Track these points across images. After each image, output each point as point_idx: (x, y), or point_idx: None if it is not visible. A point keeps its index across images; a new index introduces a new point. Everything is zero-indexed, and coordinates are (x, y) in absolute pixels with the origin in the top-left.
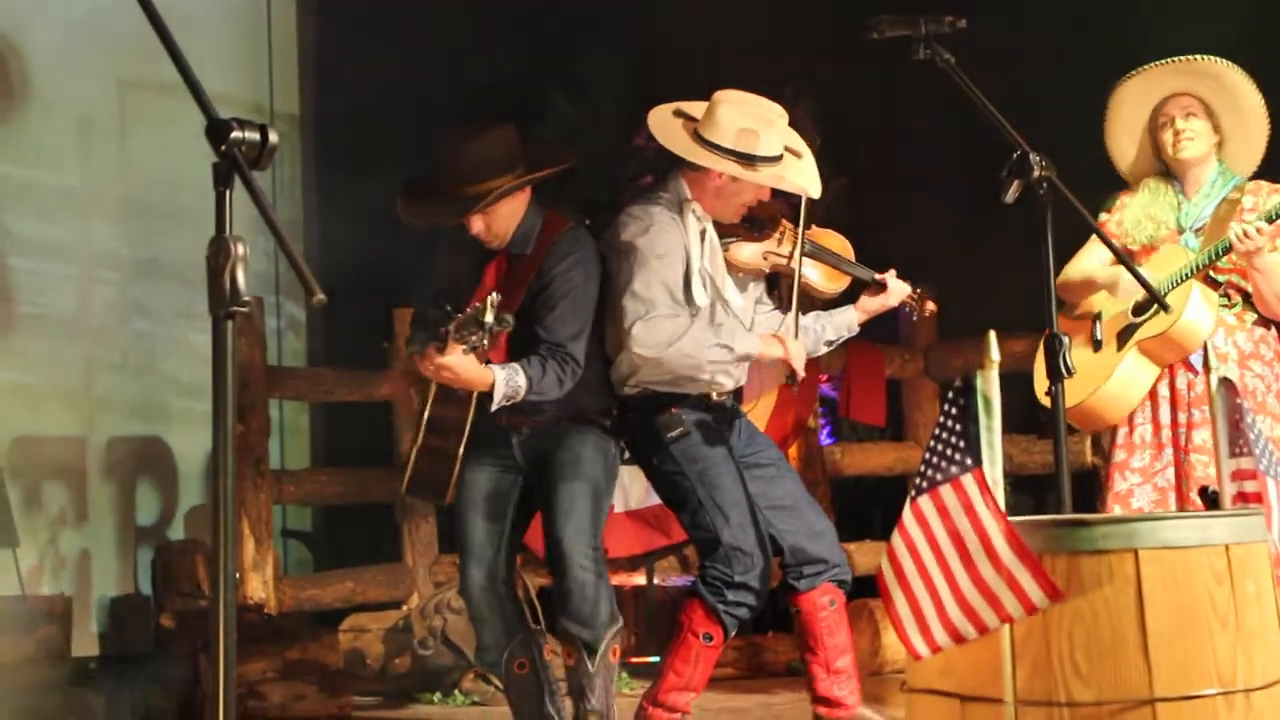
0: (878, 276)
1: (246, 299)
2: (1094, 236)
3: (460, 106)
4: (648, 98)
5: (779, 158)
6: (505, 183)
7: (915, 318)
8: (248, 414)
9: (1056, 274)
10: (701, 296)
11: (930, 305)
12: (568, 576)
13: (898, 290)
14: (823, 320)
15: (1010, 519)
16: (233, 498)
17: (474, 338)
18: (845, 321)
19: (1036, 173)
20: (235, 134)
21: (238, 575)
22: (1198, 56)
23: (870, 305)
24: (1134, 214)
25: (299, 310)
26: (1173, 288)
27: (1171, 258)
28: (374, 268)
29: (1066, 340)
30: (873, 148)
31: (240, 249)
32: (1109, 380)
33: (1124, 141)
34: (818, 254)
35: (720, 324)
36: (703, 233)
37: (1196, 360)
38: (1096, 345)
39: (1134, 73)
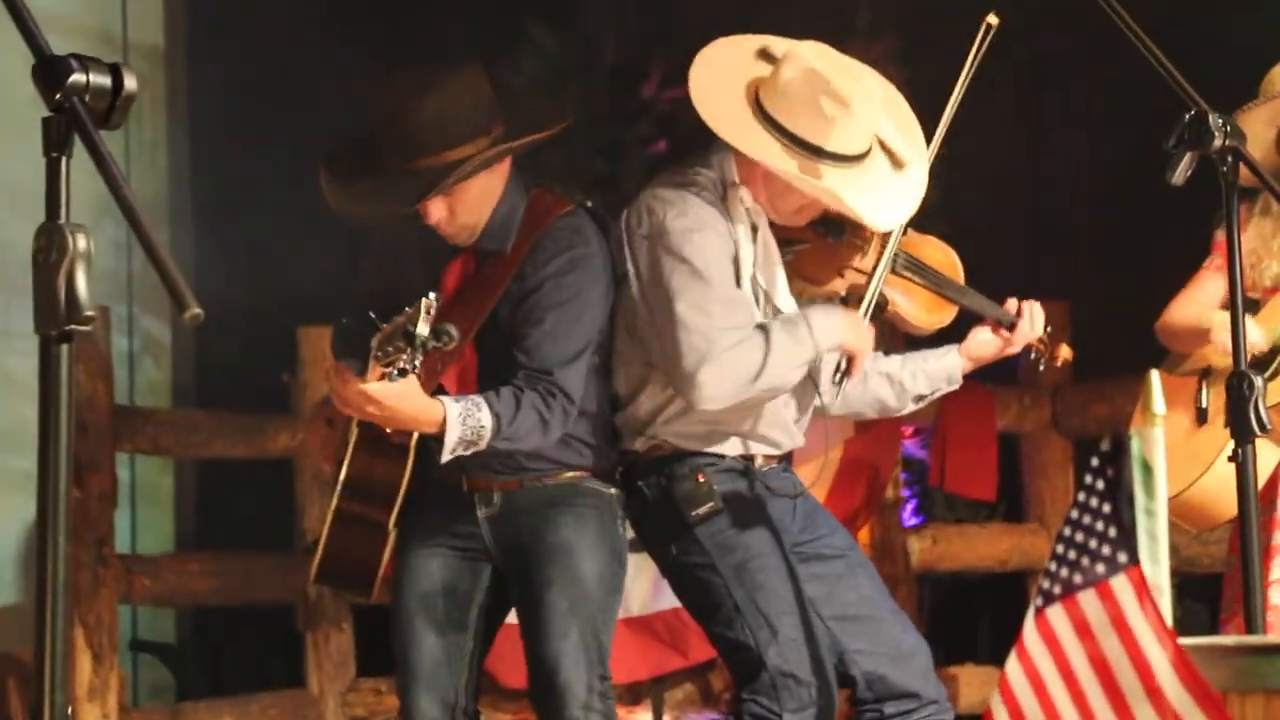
0: (997, 312)
1: (89, 313)
2: (1208, 267)
3: (397, 39)
4: (660, 30)
5: (857, 158)
6: (477, 150)
7: (1043, 366)
8: (86, 474)
9: (1243, 284)
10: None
11: (1065, 352)
12: (562, 718)
13: (1023, 331)
14: (913, 365)
15: (1181, 640)
16: (64, 594)
17: (402, 357)
18: (944, 370)
19: (1218, 141)
20: (75, 77)
21: (69, 709)
22: None
23: (982, 349)
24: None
25: (161, 327)
26: None
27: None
28: (271, 269)
29: (1260, 383)
30: (983, 101)
31: (81, 242)
32: (1215, 464)
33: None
34: (915, 271)
35: None
36: (754, 229)
37: None
38: (1202, 415)
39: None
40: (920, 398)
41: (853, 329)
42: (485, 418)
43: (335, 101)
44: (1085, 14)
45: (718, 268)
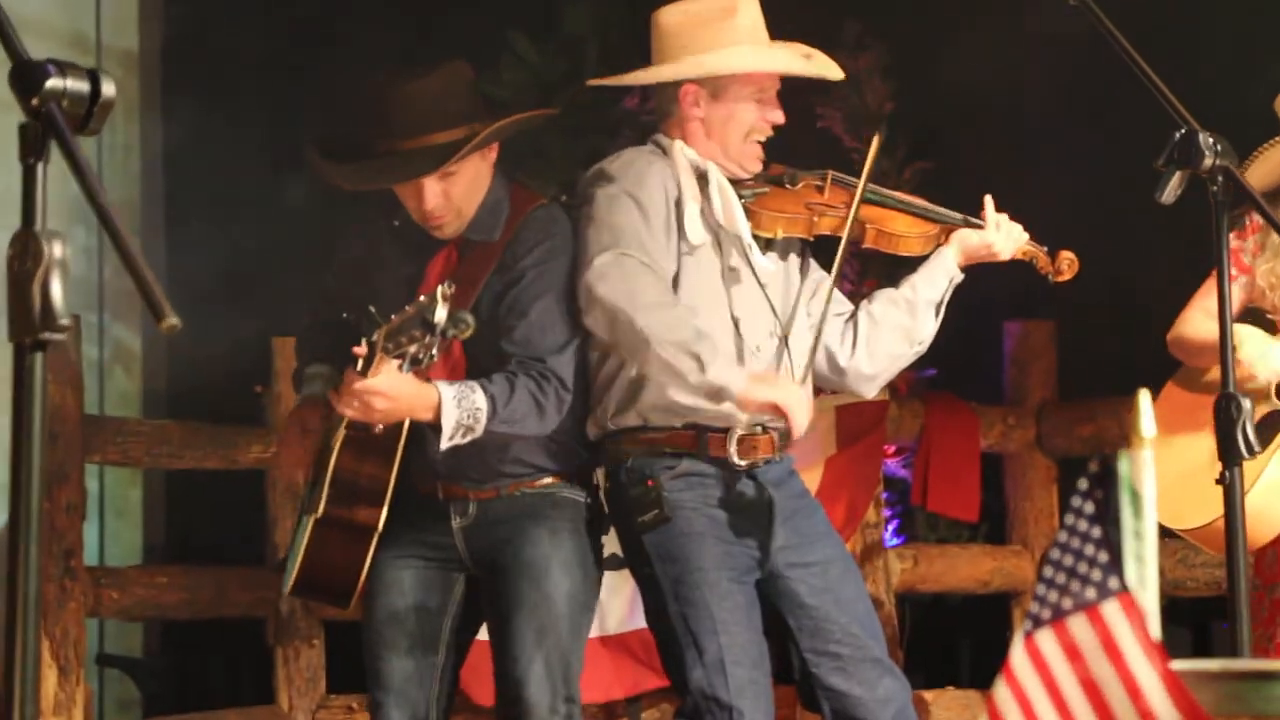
0: (973, 222)
1: (64, 321)
2: (1214, 276)
3: (374, 47)
4: (644, 42)
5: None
6: (473, 132)
7: (1051, 280)
8: (54, 485)
9: (1233, 302)
10: (698, 234)
11: (1069, 259)
12: None
13: (992, 233)
14: (905, 283)
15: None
16: (35, 608)
17: (413, 347)
18: (939, 264)
19: (1208, 161)
20: (53, 82)
21: None
22: None
23: (972, 244)
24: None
25: (131, 335)
26: None
27: None
28: (245, 278)
29: (1248, 405)
30: (968, 121)
31: (58, 249)
32: (1248, 491)
33: None
34: (883, 197)
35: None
36: (703, 176)
37: None
38: None
39: None
40: (934, 304)
41: (760, 389)
42: (480, 399)
43: (311, 108)
44: (1071, 34)
45: (649, 198)
